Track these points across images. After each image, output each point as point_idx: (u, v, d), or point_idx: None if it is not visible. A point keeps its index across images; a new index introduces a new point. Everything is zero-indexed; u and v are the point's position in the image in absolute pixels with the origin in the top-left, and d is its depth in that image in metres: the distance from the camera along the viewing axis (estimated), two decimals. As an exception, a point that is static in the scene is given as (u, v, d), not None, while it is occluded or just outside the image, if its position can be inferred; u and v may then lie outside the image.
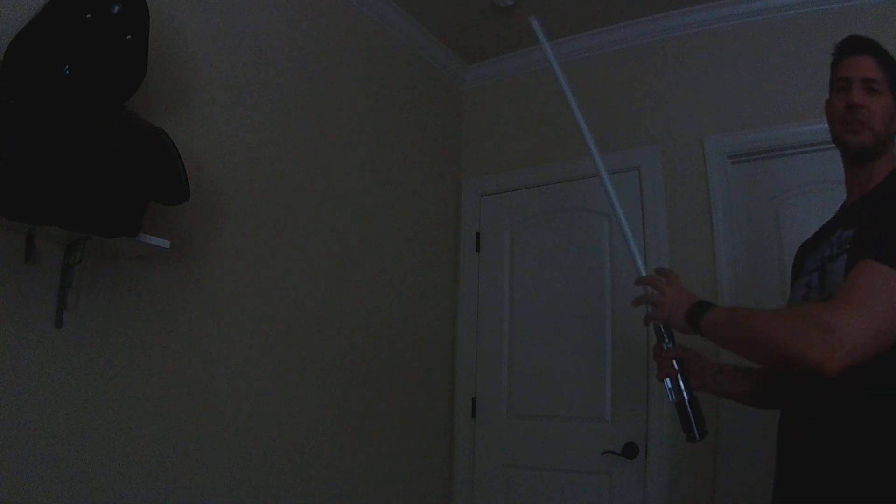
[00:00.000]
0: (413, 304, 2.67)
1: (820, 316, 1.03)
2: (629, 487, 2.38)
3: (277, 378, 2.02)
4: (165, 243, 1.51)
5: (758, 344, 1.14)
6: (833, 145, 1.34)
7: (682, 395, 1.34)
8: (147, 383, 1.64)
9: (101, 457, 1.51)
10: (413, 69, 2.85)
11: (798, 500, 1.16)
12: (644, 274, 1.44)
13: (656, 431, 2.35)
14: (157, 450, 1.64)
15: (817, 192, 2.21)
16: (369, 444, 2.34)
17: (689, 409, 1.33)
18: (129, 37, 1.38)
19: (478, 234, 2.98)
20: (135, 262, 1.64)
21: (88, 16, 1.31)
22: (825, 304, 1.07)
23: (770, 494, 1.28)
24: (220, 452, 1.80)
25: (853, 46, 1.29)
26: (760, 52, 2.47)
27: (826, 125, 1.35)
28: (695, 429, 1.32)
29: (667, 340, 1.39)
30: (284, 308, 2.07)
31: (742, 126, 2.44)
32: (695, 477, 2.26)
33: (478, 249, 2.97)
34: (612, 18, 2.73)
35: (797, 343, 1.03)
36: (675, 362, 1.37)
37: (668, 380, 1.36)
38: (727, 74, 2.53)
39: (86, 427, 1.49)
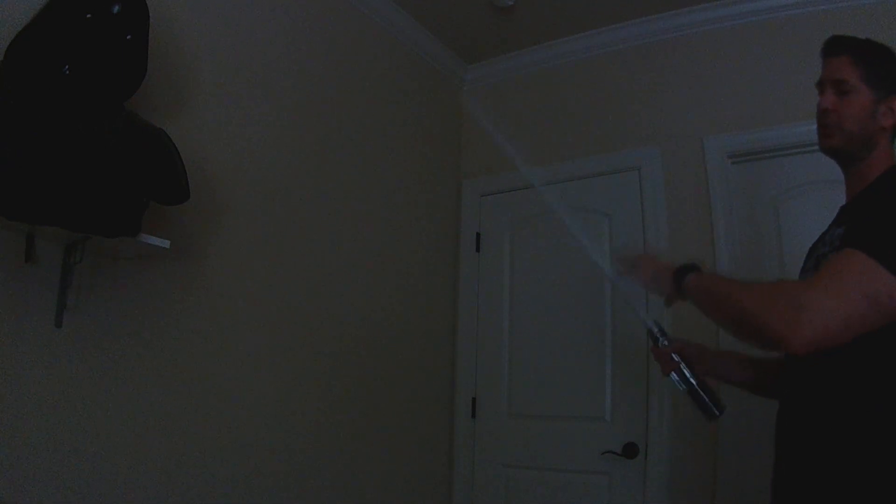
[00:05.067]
0: (413, 305, 2.67)
1: (793, 292, 1.02)
2: (629, 487, 2.38)
3: (277, 378, 2.02)
4: (165, 243, 1.51)
5: (730, 312, 1.14)
6: None
7: (690, 382, 1.40)
8: (147, 383, 1.64)
9: (101, 456, 1.51)
10: (413, 69, 2.85)
11: (795, 494, 1.17)
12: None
13: (656, 431, 2.35)
14: (157, 449, 1.64)
15: (817, 192, 2.21)
16: (369, 444, 2.34)
17: (700, 393, 1.38)
18: (129, 37, 1.38)
19: (478, 235, 2.98)
20: (135, 262, 1.64)
21: (88, 16, 1.31)
22: (801, 281, 1.07)
23: (769, 491, 1.28)
24: (220, 452, 1.80)
25: (827, 48, 1.30)
26: (760, 52, 2.47)
27: None
28: (712, 407, 1.37)
29: (661, 339, 1.44)
30: (284, 307, 2.07)
31: (742, 126, 2.44)
32: (695, 477, 2.26)
33: (478, 249, 2.97)
34: (613, 18, 2.73)
35: (765, 314, 1.03)
36: (674, 355, 1.42)
37: (673, 373, 1.41)
38: (727, 74, 2.52)
39: (86, 427, 1.49)
